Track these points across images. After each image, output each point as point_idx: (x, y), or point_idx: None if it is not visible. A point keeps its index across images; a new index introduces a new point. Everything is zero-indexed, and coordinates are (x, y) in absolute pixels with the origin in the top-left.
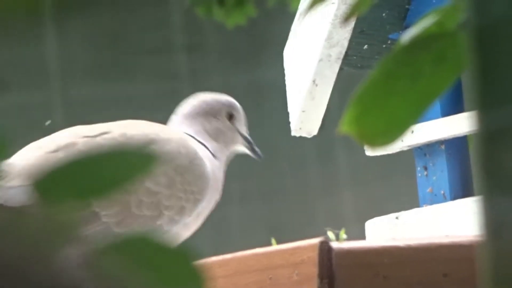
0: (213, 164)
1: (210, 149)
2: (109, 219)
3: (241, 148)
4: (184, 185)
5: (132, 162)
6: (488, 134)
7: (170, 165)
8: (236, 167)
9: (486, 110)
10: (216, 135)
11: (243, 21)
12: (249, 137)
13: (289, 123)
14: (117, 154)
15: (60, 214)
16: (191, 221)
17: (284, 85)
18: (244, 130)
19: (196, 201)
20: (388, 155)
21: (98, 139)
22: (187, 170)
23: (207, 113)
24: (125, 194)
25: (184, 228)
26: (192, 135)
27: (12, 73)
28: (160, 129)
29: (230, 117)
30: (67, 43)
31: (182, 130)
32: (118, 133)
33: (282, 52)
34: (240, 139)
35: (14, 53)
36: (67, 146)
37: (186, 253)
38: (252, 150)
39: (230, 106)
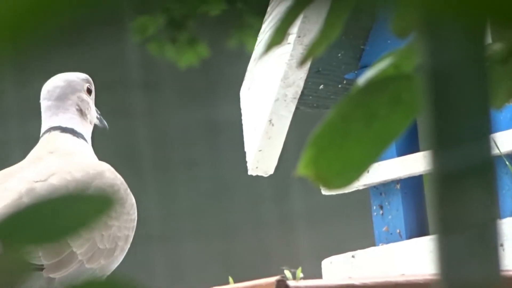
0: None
1: (84, 135)
2: (82, 256)
3: (95, 121)
4: (126, 215)
5: (91, 205)
6: (442, 174)
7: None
8: (190, 203)
9: (440, 150)
10: (86, 111)
11: (196, 62)
12: (97, 110)
13: (245, 161)
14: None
15: (17, 258)
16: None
17: (241, 123)
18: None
19: (134, 228)
20: (344, 193)
21: (50, 181)
22: (125, 200)
23: (75, 90)
24: (91, 231)
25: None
26: (71, 126)
27: None
28: (81, 159)
29: (89, 91)
30: (26, 79)
31: (61, 120)
32: (58, 178)
33: (239, 90)
34: (95, 112)
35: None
36: (28, 191)
37: None
38: (101, 121)
39: (88, 80)
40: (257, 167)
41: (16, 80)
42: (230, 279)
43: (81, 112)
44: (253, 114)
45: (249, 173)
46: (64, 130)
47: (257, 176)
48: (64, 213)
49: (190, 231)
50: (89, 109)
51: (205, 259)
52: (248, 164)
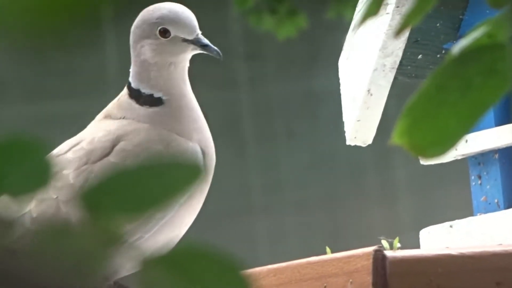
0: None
1: (156, 92)
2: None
3: (193, 52)
4: None
5: (179, 174)
6: None
7: (144, 155)
8: (291, 176)
9: None
10: (159, 58)
11: (294, 33)
12: (200, 38)
13: (343, 131)
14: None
15: (107, 228)
16: (191, 203)
17: (339, 93)
18: (189, 35)
19: None
20: (443, 164)
21: (69, 153)
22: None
23: (140, 37)
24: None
25: (185, 210)
26: (137, 87)
27: (72, 81)
28: (124, 123)
29: (165, 32)
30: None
31: (131, 78)
32: (87, 141)
33: (337, 61)
34: (186, 46)
35: (74, 62)
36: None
37: (234, 263)
38: (206, 49)
39: (159, 21)
40: (355, 137)
41: (117, 49)
42: (328, 249)
43: (149, 62)
44: (351, 84)
45: (347, 143)
46: (130, 89)
47: (357, 146)
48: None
49: (292, 202)
50: (161, 54)
51: (307, 230)
52: (346, 134)
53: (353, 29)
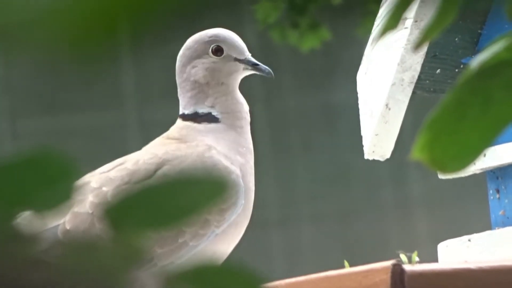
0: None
1: (213, 110)
2: (192, 241)
3: (245, 72)
4: None
5: (203, 190)
6: None
7: None
8: (308, 188)
9: None
10: (211, 77)
11: (318, 45)
12: (250, 58)
13: (362, 145)
14: (187, 183)
15: (130, 243)
16: (227, 232)
17: (357, 107)
18: (241, 55)
19: (222, 211)
20: (461, 177)
21: (112, 171)
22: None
23: (191, 58)
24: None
25: (219, 241)
26: (192, 109)
27: (87, 94)
28: (177, 147)
29: (218, 51)
30: (143, 64)
31: (182, 102)
32: (132, 161)
33: (355, 75)
34: (238, 65)
35: (90, 75)
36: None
37: (256, 278)
38: (258, 69)
39: (215, 37)
40: (373, 151)
41: (133, 63)
42: (346, 263)
43: (201, 83)
44: (369, 98)
45: (366, 157)
46: (184, 117)
47: (374, 160)
48: (176, 198)
49: (308, 216)
50: (216, 74)
51: (323, 244)
52: (364, 148)
53: (372, 43)
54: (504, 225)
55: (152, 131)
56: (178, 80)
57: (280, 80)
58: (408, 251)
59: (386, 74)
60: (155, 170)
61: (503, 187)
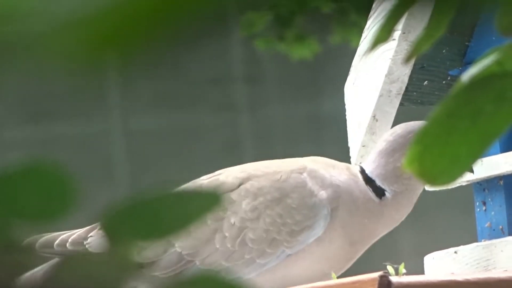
0: (359, 201)
1: (387, 189)
2: (192, 257)
3: None
4: (274, 218)
5: (196, 203)
6: None
7: (259, 200)
8: None
9: None
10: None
11: (309, 55)
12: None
13: (348, 156)
14: (180, 195)
15: (124, 254)
16: (310, 252)
17: (344, 118)
18: None
19: (293, 233)
20: (447, 189)
21: (206, 181)
22: (278, 203)
23: (404, 146)
24: (207, 231)
25: (297, 261)
26: (373, 176)
27: (72, 103)
28: (271, 164)
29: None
30: (129, 73)
31: (370, 169)
32: (225, 174)
33: (343, 86)
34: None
35: (75, 83)
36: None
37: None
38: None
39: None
40: (360, 162)
41: (121, 78)
42: (333, 275)
43: (399, 171)
44: (357, 110)
45: None
46: (365, 178)
47: None
48: (170, 210)
49: None
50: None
51: None
52: (351, 160)
53: (363, 55)
54: (490, 237)
55: (137, 140)
56: (383, 158)
57: (264, 90)
58: (395, 263)
59: (373, 85)
60: (239, 184)
61: (489, 199)
